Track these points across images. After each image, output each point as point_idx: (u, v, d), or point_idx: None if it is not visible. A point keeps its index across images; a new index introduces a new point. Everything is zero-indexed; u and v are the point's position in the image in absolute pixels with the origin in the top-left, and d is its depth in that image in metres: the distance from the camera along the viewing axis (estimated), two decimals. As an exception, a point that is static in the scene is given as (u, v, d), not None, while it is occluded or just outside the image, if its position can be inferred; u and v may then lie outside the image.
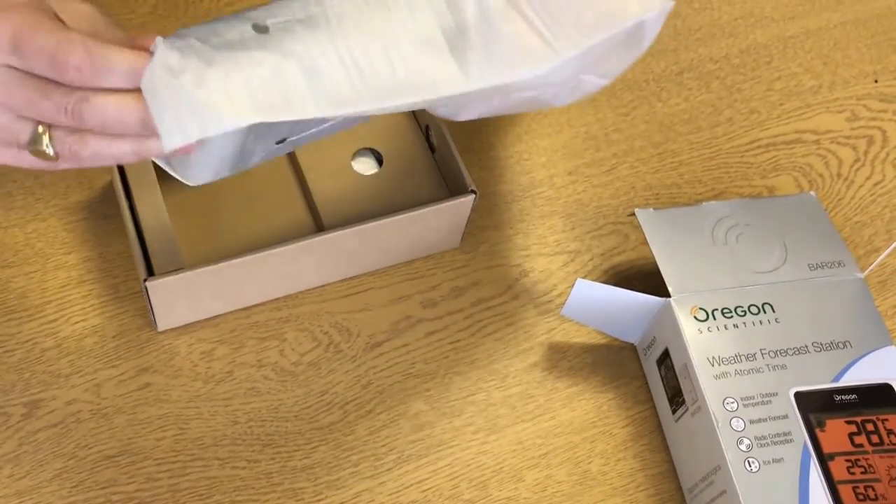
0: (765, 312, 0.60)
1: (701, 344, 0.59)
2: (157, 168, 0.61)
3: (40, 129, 0.43)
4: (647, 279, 0.67)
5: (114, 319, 0.62)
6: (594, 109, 0.75)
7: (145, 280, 0.56)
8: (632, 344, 0.65)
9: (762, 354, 0.59)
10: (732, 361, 0.58)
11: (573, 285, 0.59)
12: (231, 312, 0.63)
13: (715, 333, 0.59)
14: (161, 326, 0.61)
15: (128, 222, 0.58)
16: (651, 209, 0.64)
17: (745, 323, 0.60)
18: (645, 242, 0.68)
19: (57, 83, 0.42)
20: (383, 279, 0.65)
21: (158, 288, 0.57)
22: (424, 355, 0.63)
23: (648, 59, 0.79)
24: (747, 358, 0.59)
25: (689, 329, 0.59)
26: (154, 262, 0.58)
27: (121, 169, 0.61)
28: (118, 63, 0.41)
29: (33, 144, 0.43)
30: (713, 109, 0.77)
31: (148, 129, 0.42)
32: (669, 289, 0.60)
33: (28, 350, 0.60)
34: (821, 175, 0.75)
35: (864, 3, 0.85)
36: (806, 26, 0.83)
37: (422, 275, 0.66)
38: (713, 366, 0.58)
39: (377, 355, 0.63)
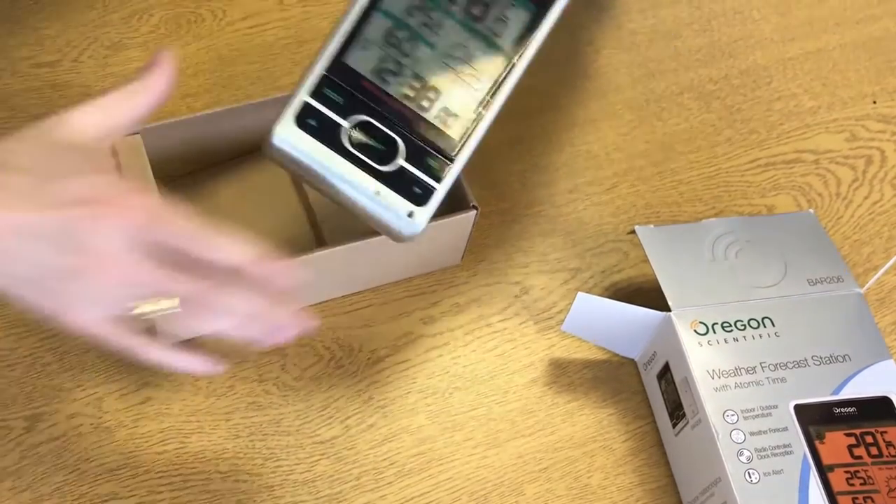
0: (765, 326, 0.63)
1: (701, 357, 0.62)
2: (157, 179, 0.64)
3: (151, 301, 0.48)
4: (646, 296, 0.70)
5: (115, 334, 0.64)
6: (594, 129, 0.79)
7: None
8: (632, 359, 0.68)
9: (762, 367, 0.62)
10: (732, 374, 0.61)
11: (574, 299, 0.62)
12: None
13: (715, 347, 0.62)
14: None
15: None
16: (651, 226, 0.67)
17: (745, 337, 0.63)
18: (645, 260, 0.71)
19: (180, 267, 0.46)
20: (384, 295, 0.68)
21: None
22: (425, 370, 0.66)
23: (648, 79, 0.82)
24: (747, 371, 0.61)
25: (690, 343, 0.62)
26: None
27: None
28: (245, 248, 0.48)
29: (138, 314, 0.48)
30: (713, 129, 0.80)
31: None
32: (669, 303, 0.63)
33: (29, 364, 0.63)
34: (820, 194, 0.78)
35: (862, 25, 0.89)
36: (805, 48, 0.87)
37: (423, 291, 0.69)
38: (713, 378, 0.61)
39: (378, 371, 0.65)
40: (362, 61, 0.54)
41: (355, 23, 0.54)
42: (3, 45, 0.76)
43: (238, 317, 0.48)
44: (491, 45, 0.55)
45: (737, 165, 0.79)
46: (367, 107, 0.54)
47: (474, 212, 0.65)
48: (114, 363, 0.63)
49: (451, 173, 0.55)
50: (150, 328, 0.51)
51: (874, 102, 0.84)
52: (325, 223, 0.66)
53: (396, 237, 0.55)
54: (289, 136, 0.53)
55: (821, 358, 0.62)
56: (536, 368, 0.67)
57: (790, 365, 0.62)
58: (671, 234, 0.68)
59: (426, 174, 0.54)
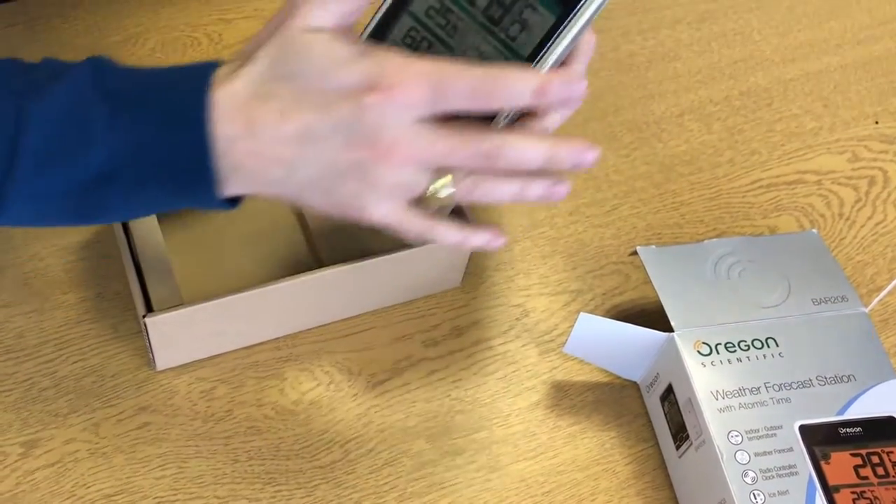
0: (768, 347, 0.64)
1: (705, 378, 0.62)
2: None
3: (441, 178, 0.48)
4: (648, 318, 0.71)
5: (112, 359, 0.65)
6: (594, 151, 0.80)
7: (144, 316, 0.60)
8: (634, 382, 0.69)
9: (766, 388, 0.62)
10: (736, 395, 0.62)
11: (576, 320, 0.63)
12: (231, 352, 0.66)
13: (719, 367, 0.63)
14: (160, 365, 0.65)
15: (126, 259, 0.62)
16: (653, 246, 0.68)
17: (748, 357, 0.64)
18: (646, 282, 0.72)
19: (466, 130, 0.47)
20: (384, 318, 0.69)
21: (157, 324, 0.61)
22: (426, 394, 0.66)
23: (648, 101, 0.84)
24: (751, 391, 0.62)
25: (693, 363, 0.63)
26: (153, 298, 0.62)
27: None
28: (527, 79, 0.46)
29: (429, 195, 0.48)
30: (714, 150, 0.82)
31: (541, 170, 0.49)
32: (672, 323, 0.64)
33: (26, 389, 0.63)
34: (822, 215, 0.79)
35: (863, 46, 0.91)
36: (806, 69, 0.88)
37: (423, 314, 0.70)
38: (717, 399, 0.62)
39: (378, 394, 0.66)
40: None
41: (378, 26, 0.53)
42: None
43: (524, 176, 0.49)
44: (511, 51, 0.53)
45: (738, 186, 0.80)
46: None
47: (474, 233, 0.66)
48: (111, 387, 0.64)
49: None
50: (441, 208, 0.51)
51: (876, 123, 0.86)
52: (323, 245, 0.67)
53: None
54: None
55: (825, 378, 0.63)
56: (538, 391, 0.67)
57: (795, 385, 0.63)
58: (673, 255, 0.69)
59: None
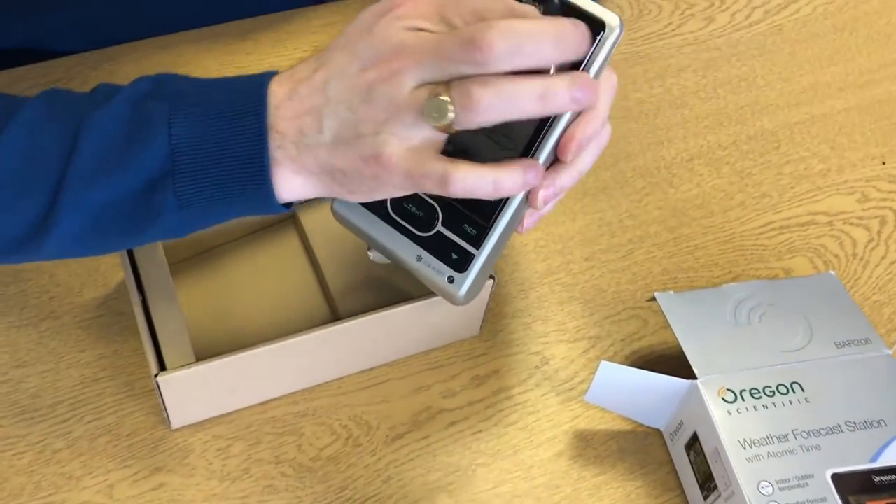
0: (794, 392, 0.58)
1: (731, 426, 0.56)
2: (169, 262, 0.60)
3: (437, 93, 0.42)
4: (669, 364, 0.65)
5: (128, 418, 0.60)
6: (606, 196, 0.75)
7: (156, 375, 0.54)
8: (658, 429, 0.63)
9: (794, 435, 0.56)
10: (764, 443, 0.56)
11: (597, 369, 0.57)
12: (247, 408, 0.61)
13: (744, 415, 0.57)
14: (175, 424, 0.59)
15: (139, 317, 0.57)
16: (671, 292, 0.63)
17: (774, 403, 0.58)
18: (665, 327, 0.67)
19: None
20: (402, 370, 0.63)
21: (170, 383, 0.55)
22: (446, 447, 0.60)
23: (658, 146, 0.79)
24: (779, 439, 0.56)
25: (718, 411, 0.57)
26: (166, 356, 0.56)
27: (133, 265, 0.59)
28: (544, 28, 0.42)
29: (431, 114, 0.42)
30: (725, 194, 0.76)
31: (563, 55, 0.42)
32: (695, 370, 0.58)
33: (39, 451, 0.58)
34: (836, 256, 0.74)
35: (865, 89, 0.86)
36: (811, 112, 0.83)
37: (441, 364, 0.64)
38: (745, 448, 0.56)
39: (398, 448, 0.60)
40: None
41: None
42: None
43: (534, 85, 0.42)
44: None
45: (751, 229, 0.74)
46: None
47: (491, 282, 0.60)
48: (126, 447, 0.58)
49: (491, 239, 0.49)
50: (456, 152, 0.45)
51: (883, 163, 0.80)
52: (339, 298, 0.62)
53: (449, 300, 0.51)
54: (344, 204, 0.52)
55: (855, 423, 0.57)
56: (561, 441, 0.61)
57: (823, 432, 0.57)
58: (692, 300, 0.63)
59: (464, 240, 0.49)
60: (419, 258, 0.50)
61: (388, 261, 0.53)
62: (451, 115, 0.42)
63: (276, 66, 0.80)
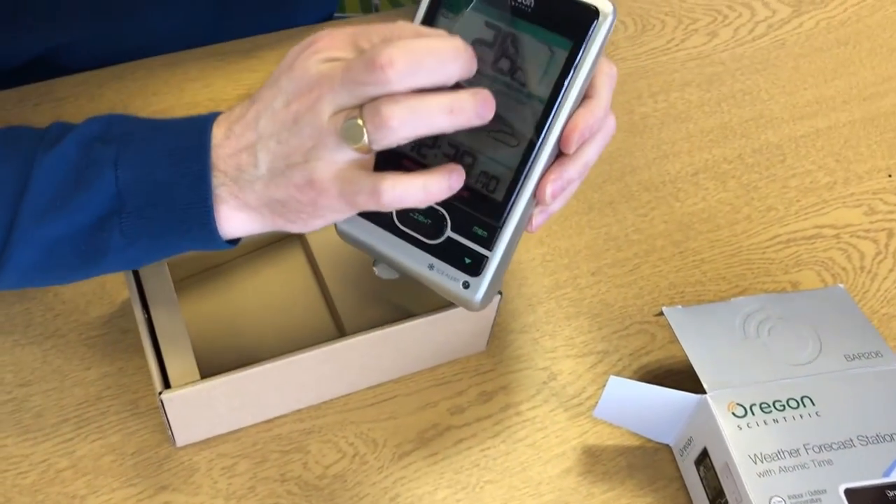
0: (804, 406, 0.57)
1: (741, 441, 0.55)
2: (174, 279, 0.60)
3: (353, 116, 0.43)
4: (677, 378, 0.64)
5: (132, 436, 0.58)
6: (612, 211, 0.74)
7: (161, 393, 0.53)
8: (667, 445, 0.61)
9: (806, 450, 0.55)
10: (776, 458, 0.55)
11: (606, 384, 0.56)
12: (252, 425, 0.60)
13: (755, 429, 0.56)
14: (180, 442, 0.58)
15: (144, 335, 0.56)
16: (679, 306, 0.62)
17: (785, 417, 0.56)
18: (673, 341, 0.66)
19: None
20: (409, 386, 0.62)
21: (175, 400, 0.54)
22: (454, 464, 0.59)
23: (663, 161, 0.78)
24: (791, 454, 0.55)
25: (728, 426, 0.56)
26: (171, 374, 0.55)
27: (138, 282, 0.59)
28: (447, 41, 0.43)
29: (347, 136, 0.43)
30: (731, 208, 0.75)
31: (464, 70, 0.43)
32: (704, 385, 0.57)
33: (43, 471, 0.57)
34: (844, 269, 0.72)
35: (869, 102, 0.85)
36: (816, 126, 0.82)
37: (448, 380, 0.63)
38: (756, 463, 0.54)
39: (405, 465, 0.59)
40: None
41: None
42: None
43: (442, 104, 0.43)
44: (523, 100, 0.47)
45: (757, 243, 0.73)
46: None
47: (498, 297, 0.59)
48: (131, 466, 0.57)
49: (502, 239, 0.48)
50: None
51: (889, 176, 0.79)
52: (345, 314, 0.61)
53: (466, 306, 0.50)
54: (349, 221, 0.51)
55: (867, 438, 0.56)
56: (569, 457, 0.60)
57: (835, 446, 0.55)
58: (700, 314, 0.62)
59: (475, 242, 0.48)
60: (431, 267, 0.49)
61: (395, 276, 0.52)
62: (365, 136, 0.43)
63: (281, 83, 0.79)
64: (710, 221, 0.74)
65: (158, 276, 0.58)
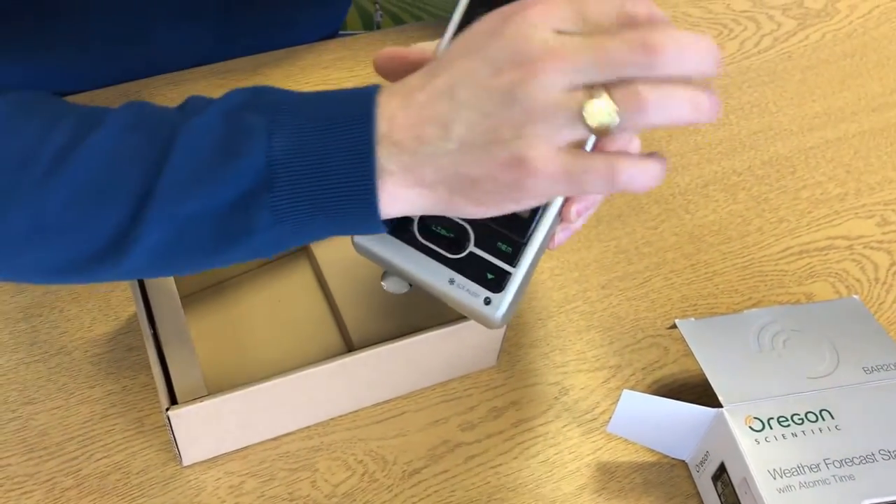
0: (823, 419, 0.55)
1: (760, 456, 0.53)
2: (180, 294, 0.58)
3: (597, 94, 0.40)
4: (692, 392, 0.62)
5: (138, 455, 0.57)
6: (622, 224, 0.72)
7: (168, 409, 0.52)
8: (683, 461, 0.59)
9: (826, 465, 0.53)
10: (795, 473, 0.53)
11: (619, 398, 0.54)
12: (259, 443, 0.58)
13: (773, 444, 0.54)
14: (186, 460, 0.56)
15: (151, 351, 0.54)
16: (692, 319, 0.60)
17: (803, 431, 0.54)
18: (686, 354, 0.64)
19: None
20: (418, 402, 0.60)
21: (182, 417, 0.52)
22: (465, 482, 0.57)
23: (672, 173, 0.76)
24: (811, 469, 0.53)
25: (746, 440, 0.54)
26: (177, 390, 0.54)
27: (145, 298, 0.57)
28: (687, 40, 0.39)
29: (594, 115, 0.39)
30: (742, 220, 0.74)
31: (710, 67, 0.40)
32: (720, 398, 0.55)
33: (47, 490, 0.55)
34: (858, 280, 0.71)
35: (878, 113, 0.84)
36: (825, 137, 0.81)
37: (458, 396, 0.61)
38: (775, 479, 0.52)
39: (415, 483, 0.57)
40: None
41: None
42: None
43: (682, 89, 0.40)
44: None
45: (770, 255, 0.72)
46: None
47: (509, 310, 0.57)
48: (136, 485, 0.55)
49: (527, 256, 0.46)
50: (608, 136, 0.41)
51: (901, 187, 0.78)
52: (353, 328, 0.59)
53: (484, 323, 0.47)
54: (367, 235, 0.48)
55: (889, 452, 0.54)
56: (583, 474, 0.58)
57: (857, 461, 0.53)
58: (713, 327, 0.60)
59: (498, 258, 0.46)
60: (452, 281, 0.46)
61: (403, 290, 0.50)
62: (616, 116, 0.39)
63: (287, 99, 0.78)
64: (721, 233, 0.73)
65: (165, 291, 0.57)
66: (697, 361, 0.57)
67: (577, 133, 0.40)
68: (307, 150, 0.40)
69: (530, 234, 0.46)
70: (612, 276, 0.69)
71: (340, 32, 0.93)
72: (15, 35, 0.72)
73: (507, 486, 0.57)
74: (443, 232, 0.47)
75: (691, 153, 0.78)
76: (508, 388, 0.62)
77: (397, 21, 1.38)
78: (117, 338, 0.62)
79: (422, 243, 0.47)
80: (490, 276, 0.46)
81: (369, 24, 1.37)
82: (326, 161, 0.40)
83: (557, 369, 0.63)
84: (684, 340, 0.59)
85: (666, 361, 0.64)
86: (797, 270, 0.71)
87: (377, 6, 1.36)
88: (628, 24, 0.40)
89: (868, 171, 0.78)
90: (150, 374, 0.59)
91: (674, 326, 0.60)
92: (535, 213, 0.46)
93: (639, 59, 0.39)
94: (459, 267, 0.47)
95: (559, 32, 0.40)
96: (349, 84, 0.80)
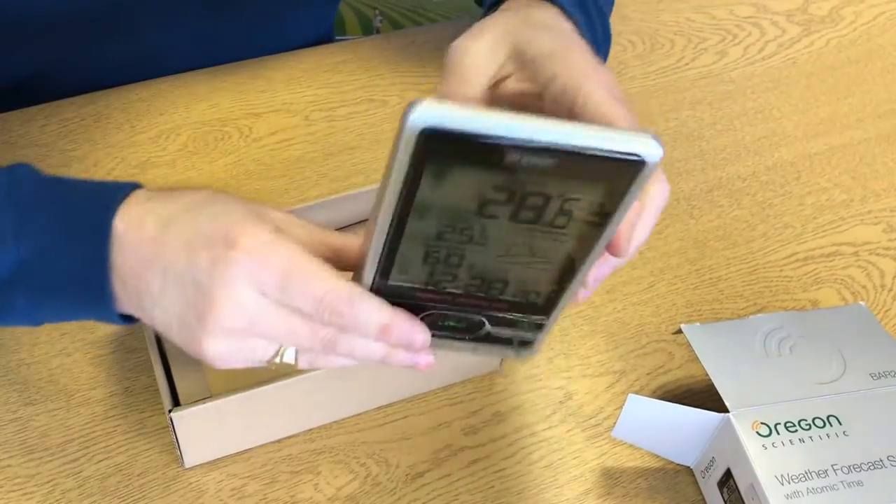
0: (831, 425, 0.55)
1: (767, 461, 0.53)
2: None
3: (286, 349, 0.43)
4: (697, 398, 0.62)
5: (139, 457, 0.56)
6: (627, 229, 0.72)
7: (170, 411, 0.51)
8: (688, 467, 0.59)
9: (834, 471, 0.53)
10: (803, 479, 0.52)
11: (624, 403, 0.54)
12: (262, 445, 0.57)
13: (781, 449, 0.53)
14: (188, 462, 0.56)
15: (153, 351, 0.54)
16: (698, 324, 0.60)
17: (811, 437, 0.54)
18: (691, 360, 0.63)
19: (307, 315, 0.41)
20: (421, 405, 0.60)
21: (184, 419, 0.52)
22: (468, 486, 0.57)
23: (676, 178, 0.76)
24: (819, 475, 0.52)
25: (753, 446, 0.53)
26: (180, 392, 0.53)
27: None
28: (376, 318, 0.40)
29: (273, 360, 0.43)
30: (747, 225, 0.73)
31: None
32: (727, 403, 0.55)
33: (47, 492, 0.54)
34: (864, 287, 0.70)
35: (884, 119, 0.83)
36: (830, 143, 0.81)
37: (462, 399, 0.60)
38: (783, 485, 0.52)
39: (418, 487, 0.56)
40: (408, 279, 0.41)
41: (383, 250, 0.39)
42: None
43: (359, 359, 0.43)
44: (559, 238, 0.39)
45: (775, 260, 0.71)
46: (433, 306, 0.42)
47: (514, 314, 0.57)
48: (138, 487, 0.55)
49: (548, 325, 0.44)
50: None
51: (907, 193, 0.77)
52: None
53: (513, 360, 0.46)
54: None
55: (896, 458, 0.54)
56: (587, 480, 0.58)
57: (865, 467, 0.53)
58: (719, 332, 0.60)
59: (521, 330, 0.44)
60: (476, 350, 0.45)
61: None
62: (290, 358, 0.43)
63: (288, 103, 0.78)
64: (725, 239, 0.72)
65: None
66: (703, 367, 0.57)
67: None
68: (50, 255, 0.44)
69: (551, 314, 0.43)
70: (617, 281, 0.68)
71: (338, 37, 0.93)
72: (12, 29, 0.71)
73: (511, 491, 0.57)
74: (454, 324, 0.43)
75: (695, 159, 0.78)
76: (512, 393, 0.61)
77: (396, 26, 1.38)
78: (119, 339, 0.61)
79: (434, 333, 0.43)
80: (514, 343, 0.44)
81: (368, 30, 1.37)
82: (67, 268, 0.44)
83: (561, 374, 0.62)
84: (689, 346, 0.58)
85: (671, 367, 0.64)
86: (802, 276, 0.70)
87: (376, 11, 1.36)
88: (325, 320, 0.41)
89: (874, 177, 0.78)
90: (152, 376, 0.59)
91: (679, 331, 0.60)
92: (551, 305, 0.43)
93: (318, 348, 0.42)
94: (480, 340, 0.44)
95: (261, 294, 0.41)
96: (350, 87, 0.80)
